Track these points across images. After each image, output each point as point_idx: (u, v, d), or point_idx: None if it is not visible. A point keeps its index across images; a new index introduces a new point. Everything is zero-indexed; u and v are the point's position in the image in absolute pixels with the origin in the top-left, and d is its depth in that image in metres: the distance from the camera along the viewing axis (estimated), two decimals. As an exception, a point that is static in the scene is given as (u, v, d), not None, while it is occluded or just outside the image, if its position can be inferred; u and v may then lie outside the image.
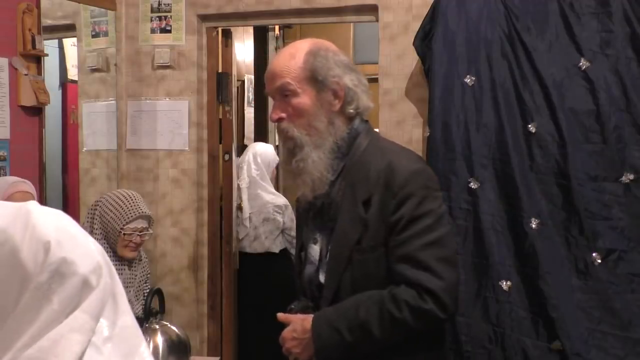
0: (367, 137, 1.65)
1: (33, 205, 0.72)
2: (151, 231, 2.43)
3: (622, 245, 2.33)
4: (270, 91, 1.65)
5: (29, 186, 2.30)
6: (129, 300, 2.40)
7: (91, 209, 2.39)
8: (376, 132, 1.72)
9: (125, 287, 2.35)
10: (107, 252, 2.34)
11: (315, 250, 1.66)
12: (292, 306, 1.71)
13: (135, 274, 2.43)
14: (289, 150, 1.63)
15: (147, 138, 3.22)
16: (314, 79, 1.60)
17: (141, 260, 2.49)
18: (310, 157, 1.60)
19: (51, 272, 0.67)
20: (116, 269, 2.42)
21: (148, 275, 2.54)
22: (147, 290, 2.48)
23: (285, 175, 1.74)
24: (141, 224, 2.36)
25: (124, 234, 2.31)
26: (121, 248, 2.33)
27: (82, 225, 2.40)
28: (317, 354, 1.57)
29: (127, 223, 2.31)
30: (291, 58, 1.62)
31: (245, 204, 3.85)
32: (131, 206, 2.35)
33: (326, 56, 1.62)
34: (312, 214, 1.69)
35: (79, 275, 0.68)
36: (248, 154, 3.95)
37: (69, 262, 0.68)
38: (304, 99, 1.60)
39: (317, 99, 1.60)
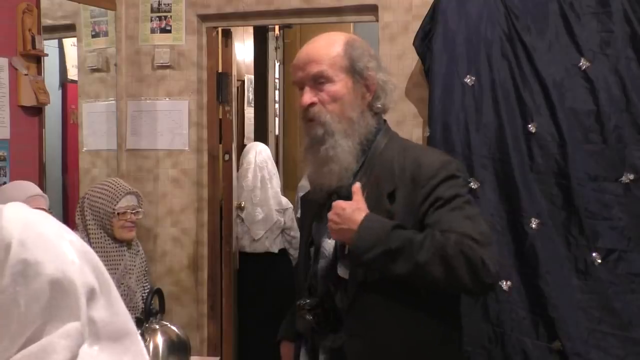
0: (387, 135, 1.66)
1: (9, 206, 0.71)
2: (143, 209, 2.46)
3: (622, 245, 2.33)
4: (303, 77, 1.62)
5: (44, 201, 2.29)
6: (129, 287, 2.39)
7: (79, 206, 2.42)
8: (394, 131, 1.72)
9: (126, 273, 2.36)
10: (105, 240, 2.36)
11: (329, 244, 1.63)
12: (301, 302, 1.62)
13: (135, 260, 2.44)
14: (317, 137, 1.60)
15: (147, 138, 3.22)
16: (352, 68, 1.60)
17: (139, 252, 2.50)
18: (340, 145, 1.58)
19: (13, 274, 0.65)
20: (116, 255, 2.43)
21: (146, 270, 2.55)
22: (147, 285, 2.49)
23: (307, 164, 1.70)
24: (132, 201, 2.39)
25: (118, 214, 2.33)
26: (119, 230, 2.35)
27: (75, 223, 2.41)
28: (355, 241, 1.49)
29: (117, 202, 2.34)
30: (330, 45, 1.62)
31: (259, 209, 3.86)
32: (116, 187, 2.39)
33: (363, 48, 1.63)
34: (326, 209, 1.66)
35: (45, 276, 0.65)
36: (262, 155, 3.96)
37: (31, 264, 0.65)
38: (340, 87, 1.59)
39: (352, 89, 1.60)
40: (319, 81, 1.59)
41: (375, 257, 1.48)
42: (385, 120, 1.70)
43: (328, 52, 1.60)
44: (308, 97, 1.60)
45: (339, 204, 1.54)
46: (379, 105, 1.64)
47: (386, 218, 1.54)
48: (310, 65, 1.60)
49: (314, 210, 1.73)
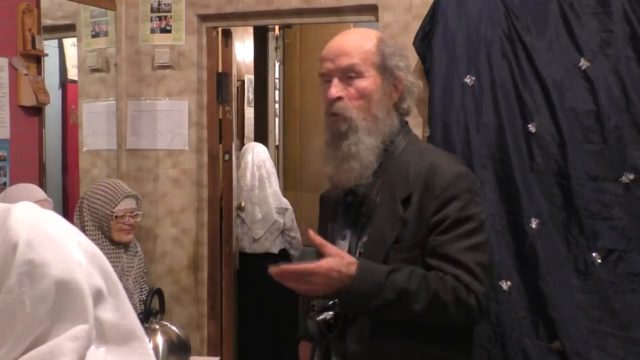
0: (406, 138, 1.62)
1: (18, 206, 0.70)
2: (142, 212, 2.46)
3: (622, 245, 2.33)
4: (333, 69, 1.58)
5: (50, 205, 2.28)
6: (127, 289, 2.40)
7: (77, 206, 2.42)
8: (415, 134, 1.69)
9: (124, 275, 2.36)
10: (102, 241, 2.36)
11: (343, 246, 1.61)
12: (313, 302, 1.61)
13: (133, 262, 2.44)
14: (340, 133, 1.57)
15: (147, 138, 3.22)
16: (383, 65, 1.57)
17: (137, 253, 2.50)
18: (363, 142, 1.55)
19: (19, 274, 0.64)
20: (113, 257, 2.45)
21: (145, 271, 2.55)
22: (145, 286, 2.49)
23: (326, 161, 1.62)
24: (130, 204, 2.39)
25: (116, 217, 2.33)
26: (116, 232, 2.35)
27: (73, 224, 2.40)
28: (352, 299, 1.46)
29: (116, 205, 2.34)
30: (363, 40, 1.59)
31: (258, 208, 3.86)
32: (116, 189, 2.39)
33: (394, 47, 1.61)
34: (341, 210, 1.65)
35: (51, 277, 0.65)
36: (260, 155, 3.97)
37: (37, 264, 0.65)
38: (370, 83, 1.56)
39: (381, 87, 1.57)
40: (348, 75, 1.56)
41: (375, 309, 1.47)
42: (407, 122, 1.67)
43: (361, 46, 1.57)
44: (335, 90, 1.56)
45: (331, 268, 1.44)
46: (405, 106, 1.61)
47: (399, 225, 1.52)
48: (341, 57, 1.56)
49: (330, 210, 1.71)
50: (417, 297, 1.45)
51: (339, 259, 1.46)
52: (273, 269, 1.48)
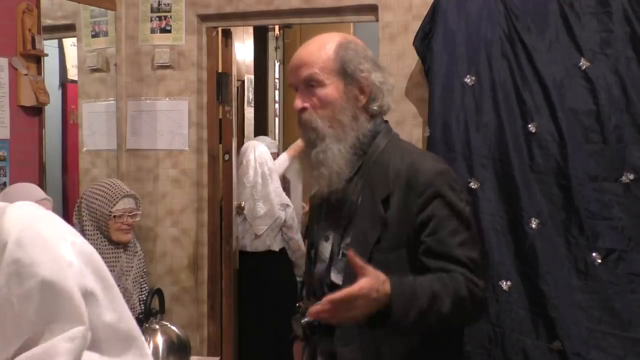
0: (387, 137, 1.63)
1: (15, 205, 0.70)
2: (140, 212, 2.46)
3: (622, 245, 2.33)
4: (295, 81, 1.61)
5: (50, 204, 2.28)
6: (126, 289, 2.39)
7: (76, 206, 2.42)
8: (396, 133, 1.69)
9: (123, 275, 2.36)
10: (101, 241, 2.36)
11: (326, 248, 1.62)
12: (300, 303, 1.62)
13: (132, 262, 2.44)
14: (310, 141, 1.60)
15: (147, 138, 3.22)
16: (343, 71, 1.57)
17: (137, 253, 2.50)
18: (331, 149, 1.56)
19: (8, 274, 0.65)
20: (112, 257, 2.44)
21: (144, 271, 2.55)
22: (145, 286, 2.49)
23: (303, 168, 1.67)
24: (129, 204, 2.38)
25: (114, 216, 2.33)
26: (115, 232, 2.35)
27: (72, 224, 2.41)
28: (395, 315, 1.40)
29: (114, 205, 2.34)
30: (321, 48, 1.59)
31: (260, 204, 3.87)
32: (114, 189, 2.39)
33: (356, 49, 1.60)
34: (324, 211, 1.66)
35: (39, 277, 0.65)
36: (261, 152, 3.98)
37: (26, 264, 0.65)
38: (331, 90, 1.57)
39: (343, 92, 1.58)
40: (310, 84, 1.58)
41: (413, 320, 1.41)
42: (386, 122, 1.67)
43: (319, 55, 1.58)
44: (299, 102, 1.59)
45: (371, 287, 1.36)
46: (375, 107, 1.61)
47: (380, 226, 1.52)
48: (302, 68, 1.59)
49: (316, 211, 1.72)
50: (442, 298, 1.43)
51: (376, 277, 1.40)
52: (313, 309, 1.38)
